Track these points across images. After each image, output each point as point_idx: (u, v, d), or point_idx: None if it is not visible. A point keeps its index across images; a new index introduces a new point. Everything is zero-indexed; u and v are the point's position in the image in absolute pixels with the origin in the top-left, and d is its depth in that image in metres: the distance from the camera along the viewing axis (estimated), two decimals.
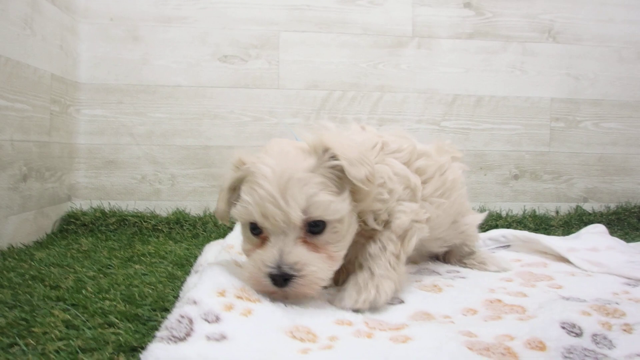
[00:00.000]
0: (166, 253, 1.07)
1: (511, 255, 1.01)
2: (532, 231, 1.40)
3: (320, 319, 0.58)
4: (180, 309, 0.52)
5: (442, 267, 0.92)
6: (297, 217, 0.59)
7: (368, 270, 0.67)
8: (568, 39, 1.54)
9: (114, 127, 1.41)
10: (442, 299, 0.70)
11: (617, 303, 0.64)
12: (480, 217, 0.95)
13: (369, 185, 0.63)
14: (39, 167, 1.18)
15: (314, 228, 0.62)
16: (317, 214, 0.60)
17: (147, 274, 0.88)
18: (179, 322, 0.49)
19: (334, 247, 0.63)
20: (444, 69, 1.51)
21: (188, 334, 0.48)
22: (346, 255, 0.67)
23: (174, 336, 0.47)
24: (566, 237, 1.19)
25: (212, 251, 0.98)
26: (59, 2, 1.26)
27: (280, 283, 0.59)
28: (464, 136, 1.53)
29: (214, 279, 0.61)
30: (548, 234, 1.38)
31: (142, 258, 1.03)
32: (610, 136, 1.57)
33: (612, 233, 1.38)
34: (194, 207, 1.43)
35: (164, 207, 1.42)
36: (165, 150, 1.43)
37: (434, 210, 0.76)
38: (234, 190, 0.67)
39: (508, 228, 1.42)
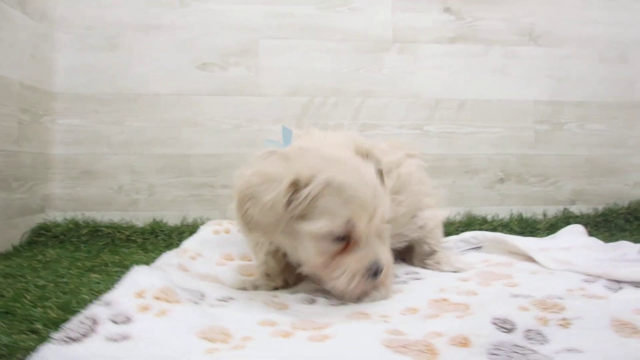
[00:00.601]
0: (131, 263, 1.03)
1: (480, 256, 0.99)
2: (517, 234, 1.37)
3: (244, 320, 0.57)
4: (89, 310, 0.53)
5: (402, 269, 0.90)
6: (388, 215, 0.67)
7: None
8: (550, 42, 1.54)
9: (91, 137, 1.38)
10: (386, 300, 0.69)
11: (560, 298, 0.62)
12: (441, 214, 0.95)
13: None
14: (6, 177, 1.15)
15: None
16: (388, 212, 0.68)
17: (100, 283, 0.85)
18: (81, 323, 0.49)
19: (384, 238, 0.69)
20: (426, 73, 1.50)
21: (85, 335, 0.48)
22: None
23: (68, 337, 0.46)
24: (544, 238, 1.17)
25: (168, 256, 0.95)
26: (30, 11, 1.24)
27: (378, 276, 0.65)
28: (448, 140, 1.51)
29: (134, 280, 0.61)
30: (533, 236, 1.35)
31: (103, 268, 1.00)
32: (595, 137, 1.56)
33: (598, 234, 1.36)
34: (172, 217, 1.39)
35: (141, 218, 1.38)
36: (143, 160, 1.39)
37: (394, 207, 0.76)
38: (292, 205, 0.62)
39: (494, 232, 1.40)
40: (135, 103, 1.39)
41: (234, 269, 0.89)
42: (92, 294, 0.75)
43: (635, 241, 1.26)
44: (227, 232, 1.05)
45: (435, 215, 0.93)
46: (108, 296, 0.56)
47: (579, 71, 1.55)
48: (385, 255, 0.66)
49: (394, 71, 1.49)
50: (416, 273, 0.86)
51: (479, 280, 0.77)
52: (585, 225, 1.43)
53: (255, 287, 0.76)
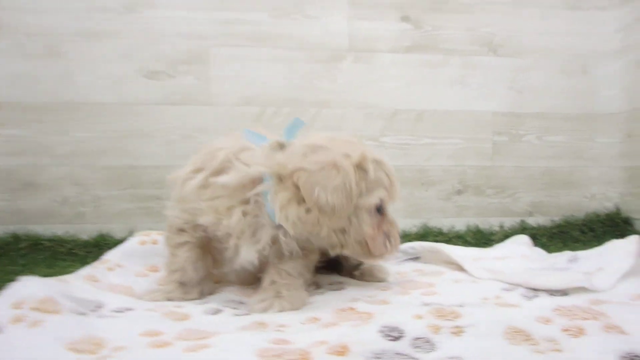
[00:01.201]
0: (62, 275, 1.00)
1: (416, 266, 0.98)
2: (472, 246, 1.36)
3: (127, 330, 0.55)
4: None
5: (327, 279, 0.88)
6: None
7: (286, 286, 0.71)
8: (510, 52, 1.52)
9: (32, 148, 1.33)
10: (286, 312, 0.67)
11: (460, 306, 0.62)
12: None
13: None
14: None
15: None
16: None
17: None
18: None
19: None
20: (382, 83, 1.47)
21: None
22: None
23: None
24: (485, 248, 1.16)
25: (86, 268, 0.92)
26: None
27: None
28: (405, 152, 1.48)
29: (14, 291, 0.59)
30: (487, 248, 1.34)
31: None
32: (554, 149, 1.54)
33: (552, 245, 1.36)
34: (119, 230, 1.36)
35: (87, 231, 1.34)
36: (88, 171, 1.36)
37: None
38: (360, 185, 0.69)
39: (448, 243, 1.38)
40: (79, 113, 1.35)
41: (154, 280, 0.86)
42: None
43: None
44: (155, 242, 1.01)
45: None
46: None
47: (539, 82, 1.53)
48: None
49: (350, 81, 1.46)
50: (339, 283, 0.85)
51: (398, 290, 0.77)
52: (541, 237, 1.43)
53: (169, 299, 0.73)
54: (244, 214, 0.68)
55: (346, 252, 0.71)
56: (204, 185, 0.69)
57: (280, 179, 0.65)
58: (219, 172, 0.69)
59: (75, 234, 1.33)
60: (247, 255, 0.69)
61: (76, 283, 0.73)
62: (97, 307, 0.64)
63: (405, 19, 1.48)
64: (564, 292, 0.70)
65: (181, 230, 0.73)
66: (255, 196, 0.67)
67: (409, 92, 1.49)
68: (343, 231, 0.69)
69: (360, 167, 0.67)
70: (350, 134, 0.75)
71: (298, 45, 1.44)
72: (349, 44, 1.46)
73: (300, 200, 0.64)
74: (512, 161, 1.53)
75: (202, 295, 0.75)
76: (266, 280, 0.71)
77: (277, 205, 0.65)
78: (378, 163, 0.70)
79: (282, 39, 1.43)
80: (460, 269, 0.90)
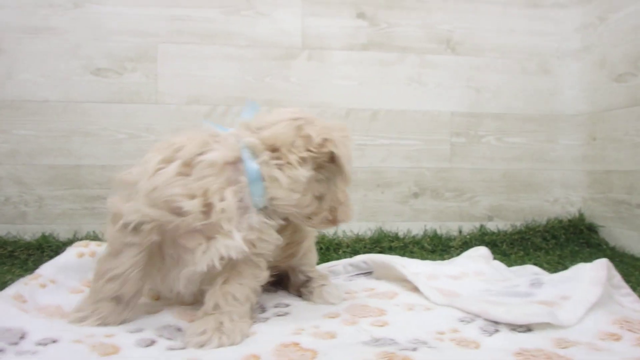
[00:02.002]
0: (1, 284, 0.98)
1: (367, 284, 0.94)
2: (428, 252, 1.33)
3: None
4: None
5: (273, 300, 0.84)
6: None
7: (228, 315, 0.67)
8: (468, 50, 1.49)
9: None
10: (235, 345, 0.63)
11: (414, 349, 0.58)
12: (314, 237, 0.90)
13: None
14: None
15: None
16: None
17: None
18: None
19: None
20: (336, 81, 1.45)
21: None
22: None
23: None
24: (440, 262, 1.12)
25: (19, 283, 0.89)
26: None
27: None
28: (360, 152, 1.46)
29: None
30: (443, 256, 1.31)
31: None
32: (514, 151, 1.51)
33: (513, 254, 1.32)
34: (63, 231, 1.34)
35: (30, 231, 1.33)
36: (31, 170, 1.34)
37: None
38: None
39: (403, 249, 1.36)
40: (21, 110, 1.33)
41: (84, 296, 0.84)
42: None
43: (548, 262, 1.23)
44: (93, 254, 0.97)
45: (309, 240, 0.88)
46: None
47: (498, 81, 1.50)
48: None
49: (303, 79, 1.44)
50: (285, 306, 0.81)
51: (346, 317, 0.73)
52: (502, 243, 1.40)
53: (104, 324, 0.67)
54: (235, 194, 0.65)
55: (313, 222, 0.72)
56: (182, 173, 0.64)
57: (274, 150, 0.67)
58: (198, 156, 0.65)
59: (18, 234, 1.31)
60: (219, 251, 0.64)
61: (2, 306, 0.69)
62: (21, 337, 0.60)
63: (360, 15, 1.46)
64: (527, 327, 0.66)
65: (135, 230, 0.65)
66: (241, 176, 0.66)
67: (363, 90, 1.46)
68: (321, 198, 0.71)
69: None
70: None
71: (249, 43, 1.42)
72: (302, 41, 1.44)
73: (304, 165, 0.67)
74: (470, 163, 1.50)
75: (134, 315, 0.69)
76: (209, 302, 0.67)
77: (278, 173, 0.66)
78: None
79: (233, 37, 1.41)
80: (415, 288, 0.87)
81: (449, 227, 1.48)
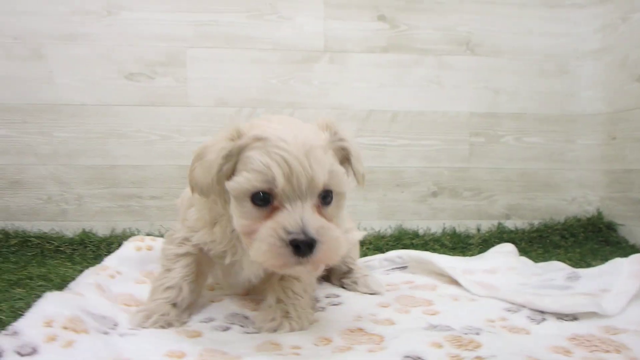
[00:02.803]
0: (56, 276, 1.08)
1: (405, 277, 1.01)
2: (448, 250, 1.39)
3: (150, 351, 0.59)
4: None
5: (323, 291, 0.91)
6: (323, 179, 0.58)
7: (293, 306, 0.71)
8: (486, 52, 1.53)
9: (17, 147, 1.42)
10: (302, 330, 0.70)
11: (477, 334, 0.63)
12: (359, 235, 0.97)
13: (362, 184, 0.66)
14: None
15: (325, 199, 0.60)
16: (334, 182, 0.60)
17: (22, 298, 0.89)
18: None
19: (335, 223, 0.61)
20: (357, 84, 1.51)
21: None
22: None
23: None
24: (470, 257, 1.17)
25: (87, 274, 0.98)
26: None
27: (304, 251, 0.55)
28: (380, 152, 1.52)
29: (42, 309, 0.62)
30: (465, 252, 1.36)
31: (28, 282, 1.04)
32: (532, 151, 1.55)
33: (532, 251, 1.37)
34: (101, 228, 1.44)
35: (70, 228, 1.43)
36: (71, 170, 1.44)
37: None
38: (227, 160, 0.61)
39: (424, 246, 1.41)
40: (61, 114, 1.43)
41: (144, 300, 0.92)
42: (12, 312, 0.79)
43: (570, 259, 1.28)
44: (150, 249, 1.07)
45: (353, 236, 0.94)
46: (16, 325, 0.57)
47: (516, 82, 1.54)
48: (317, 225, 0.57)
49: (325, 82, 1.50)
50: (336, 296, 0.87)
51: (398, 307, 0.79)
52: (520, 241, 1.45)
53: (168, 325, 0.69)
54: (225, 226, 0.67)
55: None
56: (191, 203, 0.71)
57: None
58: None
59: (60, 231, 1.42)
60: (250, 271, 0.72)
61: (90, 296, 0.76)
62: (115, 325, 0.68)
63: (380, 18, 1.51)
64: (573, 317, 0.70)
65: (183, 242, 0.73)
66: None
67: (383, 92, 1.52)
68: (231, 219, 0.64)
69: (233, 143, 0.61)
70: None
71: (273, 47, 1.48)
72: (324, 44, 1.50)
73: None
74: (488, 163, 1.54)
75: (190, 317, 0.73)
76: (271, 297, 0.72)
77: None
78: (262, 140, 0.59)
79: (257, 40, 1.48)
80: (452, 281, 0.92)
81: (467, 225, 1.53)
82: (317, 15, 1.49)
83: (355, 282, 0.91)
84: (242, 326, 0.72)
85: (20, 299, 0.88)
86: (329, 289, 0.92)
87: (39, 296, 0.88)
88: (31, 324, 0.57)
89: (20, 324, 0.57)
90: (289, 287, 0.72)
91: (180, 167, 1.46)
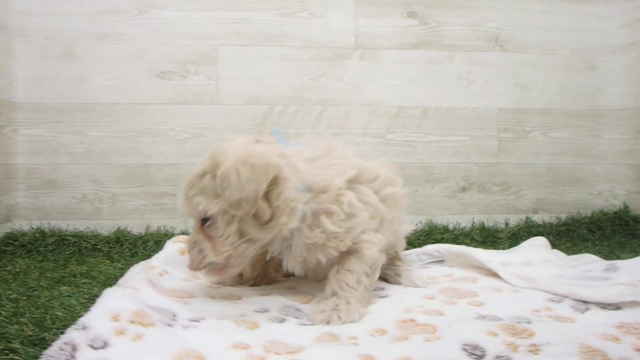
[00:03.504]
0: (98, 273, 1.11)
1: (443, 270, 1.04)
2: (478, 244, 1.43)
3: (215, 342, 0.61)
4: (67, 335, 0.55)
5: None
6: (183, 211, 0.77)
7: (345, 299, 0.76)
8: (515, 48, 1.56)
9: (52, 147, 1.44)
10: (355, 321, 0.73)
11: (528, 322, 0.66)
12: (410, 227, 1.02)
13: (238, 209, 0.71)
14: None
15: (204, 221, 0.76)
16: (190, 211, 0.76)
17: (70, 296, 0.92)
18: (61, 349, 0.52)
19: (218, 241, 0.75)
20: (388, 80, 1.53)
21: None
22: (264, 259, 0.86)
23: None
24: (505, 250, 1.21)
25: (135, 270, 1.01)
26: None
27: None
28: (410, 149, 1.55)
29: (108, 303, 0.64)
30: (495, 246, 1.40)
31: (72, 279, 1.07)
32: (559, 146, 1.59)
33: (560, 245, 1.41)
34: (135, 226, 1.47)
35: (105, 226, 1.46)
36: (104, 169, 1.46)
37: (390, 236, 0.85)
38: None
39: (455, 241, 1.45)
40: (94, 113, 1.45)
41: (200, 284, 0.94)
42: (64, 309, 0.81)
43: (599, 251, 1.31)
44: None
45: (406, 228, 0.99)
46: (84, 319, 0.59)
47: (544, 78, 1.57)
48: (197, 239, 0.77)
49: (356, 78, 1.52)
50: (381, 289, 0.90)
51: (444, 299, 0.82)
52: (548, 235, 1.49)
53: (232, 284, 0.89)
54: None
55: None
56: None
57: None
58: None
59: (95, 230, 1.45)
60: (291, 265, 0.81)
61: (145, 290, 0.79)
62: (174, 316, 0.70)
63: (411, 14, 1.53)
64: (616, 306, 0.73)
65: None
66: None
67: (413, 89, 1.54)
68: None
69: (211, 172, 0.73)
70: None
71: (304, 44, 1.50)
72: (354, 41, 1.52)
73: None
74: (516, 158, 1.58)
75: (257, 281, 0.91)
76: (328, 290, 0.79)
77: None
78: (235, 174, 0.69)
79: (289, 38, 1.50)
80: (490, 274, 0.95)
81: (495, 219, 1.57)
82: (347, 13, 1.51)
83: (398, 275, 0.95)
84: (296, 318, 0.75)
85: (69, 296, 0.91)
86: (378, 282, 0.94)
87: (86, 293, 0.92)
88: (99, 318, 0.60)
89: (88, 319, 0.59)
90: (343, 279, 0.78)
91: None
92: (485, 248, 1.37)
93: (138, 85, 1.46)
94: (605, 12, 1.56)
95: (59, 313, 0.78)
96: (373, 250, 0.78)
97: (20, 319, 0.74)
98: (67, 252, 1.34)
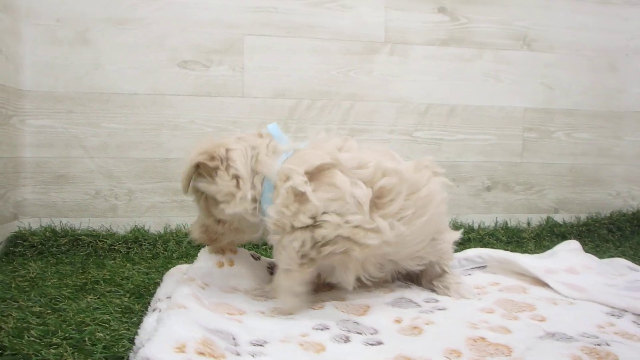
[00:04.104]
0: (122, 279, 1.05)
1: (488, 278, 1.03)
2: (504, 244, 1.44)
3: None
4: None
5: (419, 295, 0.92)
6: None
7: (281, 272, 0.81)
8: (542, 47, 1.57)
9: (63, 139, 1.35)
10: (423, 338, 0.70)
11: (607, 344, 0.65)
12: (456, 235, 0.96)
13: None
14: None
15: None
16: None
17: (99, 308, 0.86)
18: None
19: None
20: (417, 76, 1.51)
21: None
22: None
23: None
24: (541, 255, 1.21)
25: (172, 281, 0.95)
26: None
27: None
28: (437, 147, 1.54)
29: (172, 331, 0.59)
30: (520, 246, 1.42)
31: (95, 286, 1.00)
32: (581, 146, 1.62)
33: (583, 245, 1.43)
34: (153, 224, 1.40)
35: (121, 225, 1.38)
36: (121, 164, 1.38)
37: (402, 228, 0.80)
38: None
39: (481, 240, 1.46)
40: (110, 103, 1.36)
41: (245, 297, 0.89)
42: (99, 325, 0.76)
43: (623, 253, 1.34)
44: (232, 263, 0.99)
45: (451, 237, 0.95)
46: (146, 351, 0.54)
47: (569, 78, 1.60)
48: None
49: (385, 73, 1.50)
50: (436, 301, 0.88)
51: (503, 312, 0.80)
52: (570, 235, 1.52)
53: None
54: None
55: None
56: None
57: None
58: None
59: (110, 228, 1.37)
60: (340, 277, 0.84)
61: (195, 308, 0.73)
62: (234, 339, 0.66)
63: (441, 10, 1.51)
64: None
65: None
66: None
67: (442, 86, 1.53)
68: None
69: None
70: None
71: (333, 36, 1.46)
72: (384, 35, 1.49)
73: None
74: (540, 158, 1.60)
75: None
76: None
77: None
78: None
79: (318, 30, 1.45)
80: (536, 282, 0.94)
81: (518, 219, 1.59)
82: (378, 5, 1.47)
83: (447, 287, 0.92)
84: (359, 334, 0.72)
85: (97, 308, 0.86)
86: (424, 294, 0.93)
87: (116, 305, 0.86)
88: (163, 348, 0.55)
89: (150, 350, 0.54)
90: (277, 256, 0.83)
91: None
92: (512, 248, 1.39)
93: (157, 74, 1.38)
94: (629, 14, 1.59)
95: (97, 333, 0.72)
96: (327, 229, 0.76)
97: (54, 340, 0.68)
98: (82, 254, 1.26)
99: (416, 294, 0.93)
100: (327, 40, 1.46)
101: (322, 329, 0.73)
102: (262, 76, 1.43)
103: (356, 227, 0.76)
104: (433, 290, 0.94)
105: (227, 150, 0.83)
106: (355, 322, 0.76)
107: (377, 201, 0.79)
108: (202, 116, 1.42)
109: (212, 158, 0.82)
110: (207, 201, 0.86)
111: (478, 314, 0.80)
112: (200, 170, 0.85)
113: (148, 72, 1.38)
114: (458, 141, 1.55)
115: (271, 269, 1.00)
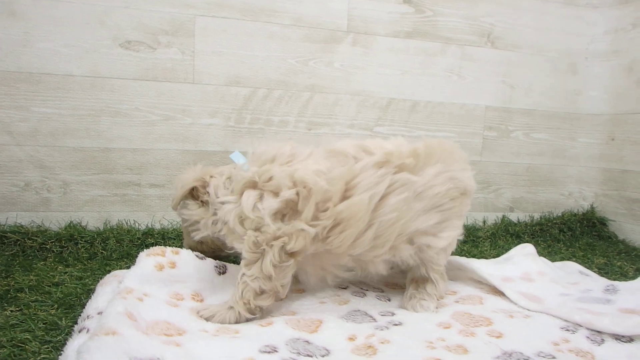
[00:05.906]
0: (51, 286, 0.97)
1: (448, 287, 1.03)
2: (460, 243, 1.45)
3: None
4: None
5: (374, 307, 0.90)
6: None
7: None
8: (506, 45, 1.57)
9: None
10: (378, 359, 0.69)
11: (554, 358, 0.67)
12: (442, 242, 0.91)
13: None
14: None
15: None
16: None
17: (19, 324, 0.79)
18: None
19: None
20: (380, 69, 1.48)
21: None
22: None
23: None
24: (497, 259, 1.23)
25: (106, 292, 0.88)
26: None
27: None
28: None
29: None
30: (476, 246, 1.44)
31: (18, 295, 0.92)
32: (538, 147, 1.65)
33: (536, 245, 1.48)
34: (91, 219, 1.30)
35: (54, 220, 1.28)
36: (54, 153, 1.27)
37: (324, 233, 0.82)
38: None
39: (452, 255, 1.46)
40: (42, 84, 1.24)
41: (189, 312, 0.83)
42: (15, 346, 0.68)
43: (573, 254, 1.39)
44: (173, 265, 0.92)
45: (452, 236, 0.93)
46: None
47: (530, 78, 1.61)
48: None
49: (346, 65, 1.45)
50: (392, 314, 0.87)
51: (460, 328, 0.80)
52: (523, 234, 1.57)
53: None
54: None
55: None
56: None
57: None
58: None
59: (42, 224, 1.27)
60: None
61: (128, 333, 0.67)
62: None
63: (407, 1, 1.47)
64: (629, 338, 0.75)
65: None
66: None
67: (405, 80, 1.51)
68: None
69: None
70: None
71: (294, 22, 1.40)
72: (347, 24, 1.44)
73: None
74: (499, 157, 1.62)
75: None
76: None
77: None
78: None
79: (278, 14, 1.38)
80: (493, 290, 0.96)
81: (474, 217, 1.61)
82: None
83: (410, 298, 0.91)
84: (309, 356, 0.69)
85: (17, 324, 0.78)
86: (379, 305, 0.91)
87: (41, 320, 0.79)
88: None
89: None
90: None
91: (185, 152, 1.35)
92: (467, 248, 1.41)
93: (97, 55, 1.27)
94: (591, 18, 1.62)
95: (12, 358, 0.65)
96: (224, 211, 0.85)
97: None
98: (7, 254, 1.16)
99: (371, 305, 0.92)
100: (287, 25, 1.39)
101: (269, 352, 0.70)
102: (214, 61, 1.35)
103: (276, 237, 0.79)
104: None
105: (211, 177, 0.93)
106: (306, 342, 0.73)
107: (296, 209, 0.81)
108: (147, 102, 1.32)
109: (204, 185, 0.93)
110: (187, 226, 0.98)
111: (435, 329, 0.80)
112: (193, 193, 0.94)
113: (86, 51, 1.26)
114: (418, 138, 1.54)
115: (219, 269, 0.94)
